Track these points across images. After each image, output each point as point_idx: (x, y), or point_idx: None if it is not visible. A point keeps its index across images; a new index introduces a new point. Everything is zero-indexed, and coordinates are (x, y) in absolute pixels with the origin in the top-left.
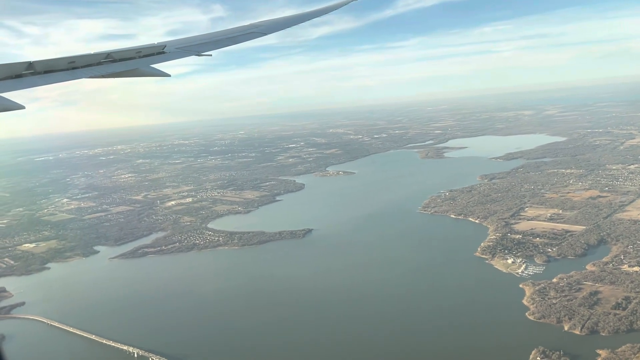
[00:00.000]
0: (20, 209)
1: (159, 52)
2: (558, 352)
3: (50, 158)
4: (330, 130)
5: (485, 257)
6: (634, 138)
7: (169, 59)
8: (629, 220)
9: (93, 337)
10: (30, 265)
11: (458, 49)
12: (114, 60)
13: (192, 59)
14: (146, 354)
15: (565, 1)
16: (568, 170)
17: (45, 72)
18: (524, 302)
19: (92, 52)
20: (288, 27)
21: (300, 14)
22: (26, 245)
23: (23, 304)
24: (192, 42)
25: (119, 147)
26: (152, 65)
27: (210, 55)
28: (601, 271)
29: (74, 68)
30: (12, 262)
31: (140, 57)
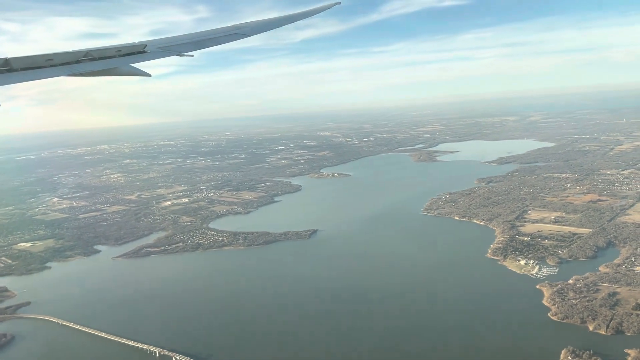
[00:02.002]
0: (10, 208)
1: (140, 51)
2: (588, 352)
3: (32, 157)
4: (318, 133)
5: (497, 258)
6: (621, 144)
7: (149, 58)
8: (633, 223)
9: (110, 336)
10: (29, 264)
11: (440, 55)
12: (94, 59)
13: (174, 59)
14: (169, 353)
15: (543, 10)
16: (564, 175)
17: (23, 69)
18: (544, 302)
19: (71, 50)
20: (272, 29)
21: (283, 16)
22: (22, 244)
23: (28, 303)
24: (173, 42)
25: (102, 146)
26: (132, 65)
27: (192, 55)
28: (615, 273)
29: (52, 65)
30: (9, 261)
31: (120, 55)
